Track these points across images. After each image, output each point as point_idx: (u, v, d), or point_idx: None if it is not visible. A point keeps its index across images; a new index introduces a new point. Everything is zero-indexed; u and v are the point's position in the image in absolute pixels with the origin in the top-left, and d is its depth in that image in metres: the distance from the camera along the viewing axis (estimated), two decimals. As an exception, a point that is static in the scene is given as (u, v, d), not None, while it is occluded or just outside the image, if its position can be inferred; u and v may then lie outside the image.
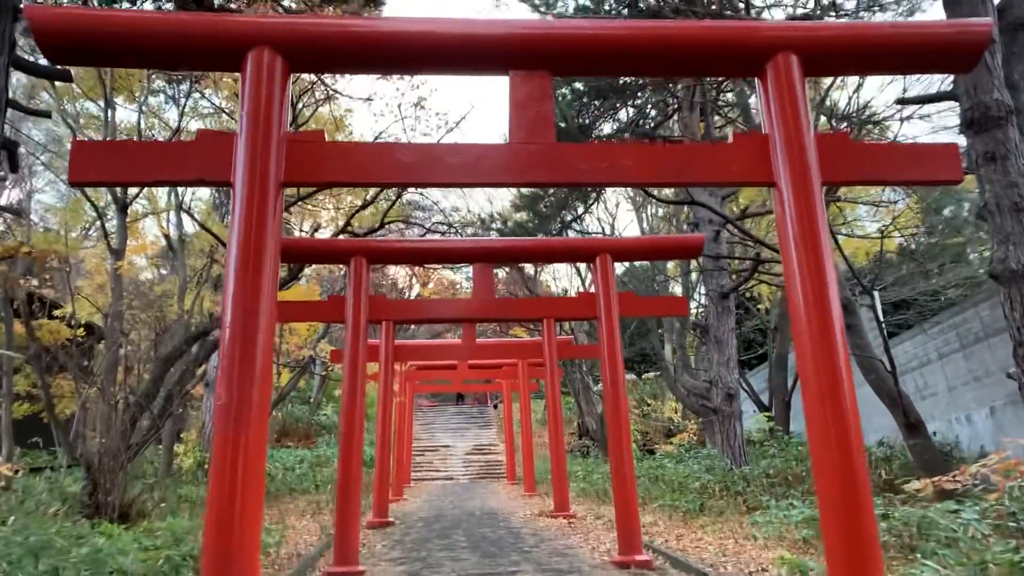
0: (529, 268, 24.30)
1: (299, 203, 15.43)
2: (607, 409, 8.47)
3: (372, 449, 16.64)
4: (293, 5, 12.35)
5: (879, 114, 13.61)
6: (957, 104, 8.07)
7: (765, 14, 12.24)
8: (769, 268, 14.49)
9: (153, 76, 16.43)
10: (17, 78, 16.22)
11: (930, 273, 19.70)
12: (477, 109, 42.74)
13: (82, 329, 15.42)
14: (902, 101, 10.46)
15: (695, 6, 10.71)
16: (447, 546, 9.23)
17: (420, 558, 8.26)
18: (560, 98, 13.38)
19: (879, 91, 31.49)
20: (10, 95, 7.49)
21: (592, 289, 9.29)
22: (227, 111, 16.74)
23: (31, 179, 24.90)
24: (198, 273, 17.60)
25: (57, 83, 16.25)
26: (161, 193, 20.35)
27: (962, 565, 4.85)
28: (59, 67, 8.09)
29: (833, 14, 11.24)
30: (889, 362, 9.68)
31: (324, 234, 20.29)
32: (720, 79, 13.28)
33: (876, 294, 13.96)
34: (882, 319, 12.98)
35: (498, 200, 29.90)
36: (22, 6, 7.06)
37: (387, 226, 16.86)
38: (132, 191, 16.88)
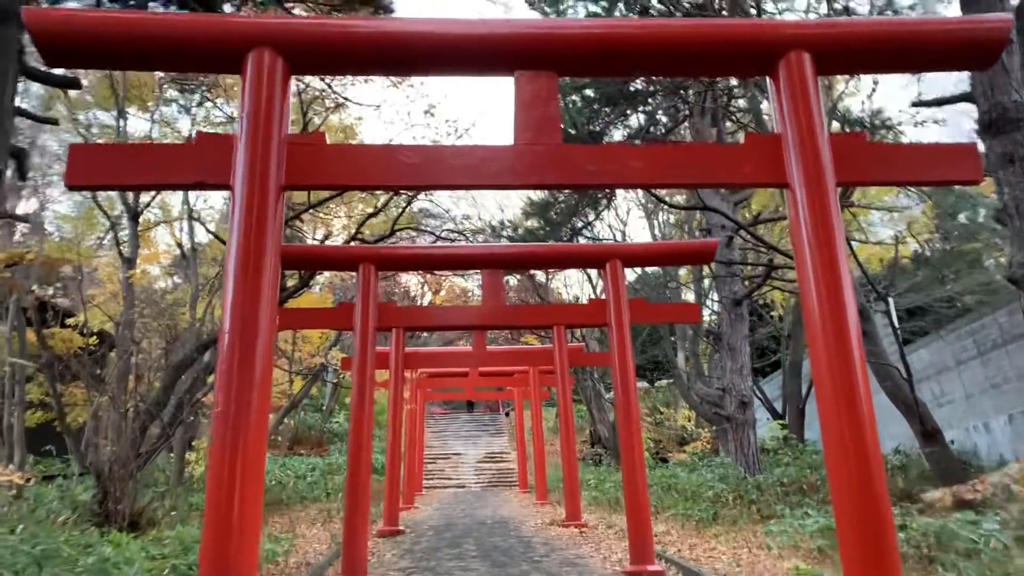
0: (540, 275, 24.20)
1: (310, 211, 15.43)
2: (619, 417, 8.37)
3: (383, 457, 16.56)
4: (304, 14, 12.36)
5: (892, 120, 13.44)
6: (972, 109, 7.94)
7: (776, 18, 12.13)
8: (782, 274, 14.33)
9: (165, 85, 16.49)
10: (34, 88, 16.38)
11: (946, 279, 19.48)
12: (487, 115, 42.75)
13: (94, 337, 15.49)
14: (918, 104, 10.31)
15: (706, 11, 10.63)
16: (457, 555, 9.12)
17: (430, 567, 8.18)
18: (570, 105, 13.28)
19: (889, 99, 31.23)
20: (27, 106, 7.53)
21: (603, 296, 9.20)
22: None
23: (46, 189, 25.10)
24: (210, 281, 17.63)
25: (71, 93, 16.35)
26: (174, 202, 20.46)
27: (984, 577, 4.71)
28: (68, 75, 8.14)
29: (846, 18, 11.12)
30: (905, 369, 9.52)
31: (336, 242, 20.29)
32: (731, 83, 13.17)
33: (891, 300, 13.77)
34: (897, 325, 12.80)
35: (509, 208, 29.88)
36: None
37: (397, 233, 16.82)
38: (144, 199, 16.96)
